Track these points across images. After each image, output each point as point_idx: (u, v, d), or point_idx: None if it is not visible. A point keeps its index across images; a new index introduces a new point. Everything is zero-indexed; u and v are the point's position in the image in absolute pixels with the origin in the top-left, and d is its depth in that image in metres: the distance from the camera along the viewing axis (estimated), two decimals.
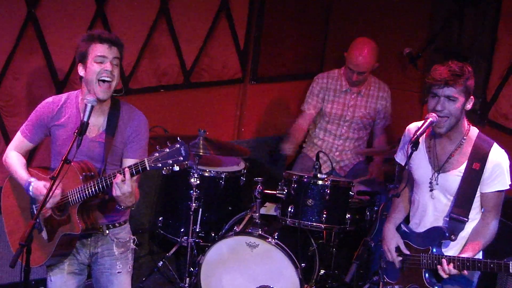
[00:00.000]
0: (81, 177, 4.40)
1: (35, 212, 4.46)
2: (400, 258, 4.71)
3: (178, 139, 4.22)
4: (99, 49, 4.43)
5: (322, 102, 6.93)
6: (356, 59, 6.71)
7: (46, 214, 4.55)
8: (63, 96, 4.67)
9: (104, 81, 4.43)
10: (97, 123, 4.56)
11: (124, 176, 4.28)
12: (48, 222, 4.57)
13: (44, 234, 4.59)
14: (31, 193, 4.52)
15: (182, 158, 4.16)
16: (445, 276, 4.51)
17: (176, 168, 4.18)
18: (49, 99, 4.68)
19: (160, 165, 4.18)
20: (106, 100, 4.52)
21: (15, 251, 4.62)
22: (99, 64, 4.43)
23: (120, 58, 4.52)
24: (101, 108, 4.54)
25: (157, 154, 4.19)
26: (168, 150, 4.18)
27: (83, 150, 4.45)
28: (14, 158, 4.68)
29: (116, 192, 4.31)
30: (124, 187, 4.29)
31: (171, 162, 4.16)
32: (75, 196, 4.41)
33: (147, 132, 4.65)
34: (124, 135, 4.56)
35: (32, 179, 4.53)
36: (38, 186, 4.48)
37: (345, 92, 6.88)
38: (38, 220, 4.26)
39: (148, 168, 4.22)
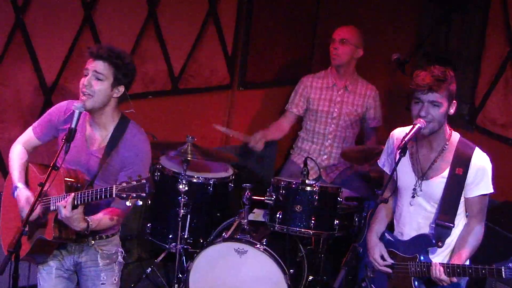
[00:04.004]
0: (64, 185, 4.38)
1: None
2: (389, 264, 4.70)
3: (146, 175, 4.27)
4: (87, 62, 4.43)
5: (306, 102, 6.95)
6: (340, 28, 6.84)
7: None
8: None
9: (83, 93, 4.41)
10: (100, 137, 4.53)
11: (66, 201, 4.27)
12: (32, 221, 4.53)
13: (25, 231, 4.56)
14: (15, 196, 4.52)
15: (144, 195, 4.15)
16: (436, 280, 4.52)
17: (140, 202, 4.19)
18: (64, 103, 4.65)
19: (124, 195, 4.17)
20: (96, 111, 4.46)
21: (3, 238, 4.73)
22: (84, 76, 4.42)
23: (110, 75, 4.41)
24: (100, 120, 4.50)
25: (124, 184, 4.18)
26: (135, 183, 4.17)
27: (80, 160, 4.47)
28: (16, 155, 4.66)
29: (59, 215, 4.31)
30: (63, 211, 4.27)
31: (134, 195, 4.16)
32: (55, 203, 4.39)
33: (147, 162, 4.58)
34: (122, 158, 4.49)
35: (20, 185, 4.52)
36: (21, 196, 4.47)
37: (332, 88, 6.91)
38: (26, 228, 4.25)
39: (114, 195, 4.20)
